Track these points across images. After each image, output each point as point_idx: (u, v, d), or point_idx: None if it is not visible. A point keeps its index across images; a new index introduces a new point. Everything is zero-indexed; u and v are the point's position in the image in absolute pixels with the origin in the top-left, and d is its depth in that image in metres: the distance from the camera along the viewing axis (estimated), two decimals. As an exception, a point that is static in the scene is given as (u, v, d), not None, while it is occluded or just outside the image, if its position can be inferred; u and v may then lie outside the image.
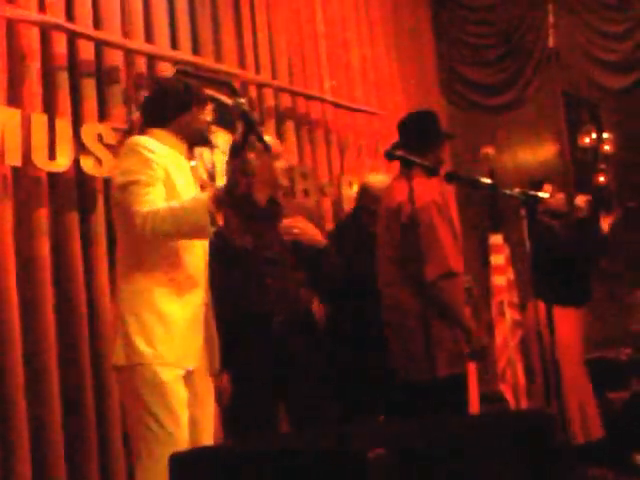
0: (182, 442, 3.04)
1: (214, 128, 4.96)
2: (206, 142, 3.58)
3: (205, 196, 3.06)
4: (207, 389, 3.29)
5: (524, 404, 5.91)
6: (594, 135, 9.00)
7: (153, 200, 3.05)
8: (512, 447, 2.65)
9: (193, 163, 4.20)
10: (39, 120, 3.98)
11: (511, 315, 6.26)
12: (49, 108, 4.11)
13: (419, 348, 3.83)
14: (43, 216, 3.98)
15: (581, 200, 5.67)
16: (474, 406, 6.60)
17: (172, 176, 3.17)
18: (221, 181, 4.89)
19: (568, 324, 5.40)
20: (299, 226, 3.89)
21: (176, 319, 3.11)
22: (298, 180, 5.57)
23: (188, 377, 3.16)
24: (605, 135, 8.97)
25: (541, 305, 5.24)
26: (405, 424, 3.00)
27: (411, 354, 3.99)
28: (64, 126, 4.09)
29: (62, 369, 3.97)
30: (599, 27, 7.31)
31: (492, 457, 2.56)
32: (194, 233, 3.10)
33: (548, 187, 5.61)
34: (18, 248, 3.88)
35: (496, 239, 6.36)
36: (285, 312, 3.84)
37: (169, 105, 3.33)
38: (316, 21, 6.16)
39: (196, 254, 3.25)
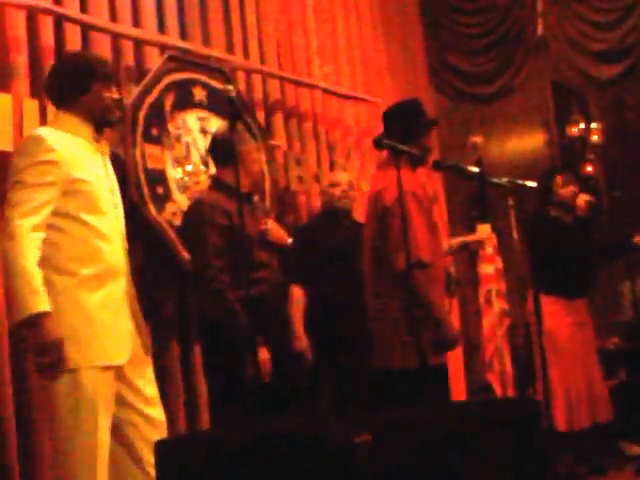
0: (103, 446, 2.98)
1: (207, 114, 4.95)
2: (111, 124, 3.40)
3: (35, 310, 2.83)
4: (147, 378, 3.19)
5: (511, 393, 5.92)
6: (582, 125, 9.00)
7: (31, 211, 2.90)
8: (497, 434, 2.66)
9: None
10: (30, 105, 3.94)
11: (499, 304, 6.27)
12: (37, 93, 4.08)
13: (398, 337, 3.85)
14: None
15: (581, 199, 5.66)
16: (461, 395, 6.62)
17: (75, 174, 3.01)
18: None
19: (562, 314, 5.41)
20: (269, 227, 4.11)
21: (100, 315, 2.99)
22: (292, 167, 5.54)
23: (120, 372, 3.06)
24: (593, 125, 8.97)
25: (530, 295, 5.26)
26: (390, 411, 2.99)
27: (390, 343, 4.00)
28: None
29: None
30: (588, 16, 7.31)
31: (476, 444, 2.56)
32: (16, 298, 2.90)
33: (560, 178, 5.59)
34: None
35: (484, 229, 6.36)
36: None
37: (69, 87, 3.14)
38: (305, 8, 6.13)
39: (115, 242, 3.12)
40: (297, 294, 4.86)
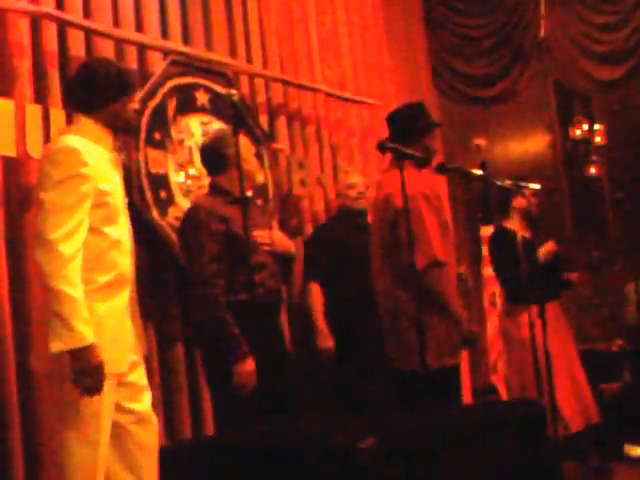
0: (103, 449, 2.99)
1: (209, 118, 4.95)
2: (134, 132, 3.46)
3: (88, 342, 2.88)
4: (143, 384, 3.21)
5: (516, 395, 5.91)
6: (585, 126, 9.00)
7: (69, 233, 2.93)
8: (501, 436, 2.66)
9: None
10: (33, 110, 3.94)
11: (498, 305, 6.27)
12: (40, 99, 4.07)
13: (411, 339, 3.85)
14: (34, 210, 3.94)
15: (546, 249, 5.58)
16: (466, 397, 6.61)
17: (102, 186, 3.06)
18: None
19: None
20: (273, 238, 4.14)
21: (109, 323, 3.03)
22: (295, 170, 5.53)
23: (122, 377, 3.09)
24: (596, 127, 8.97)
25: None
26: (396, 415, 2.99)
27: (403, 345, 4.01)
28: (58, 116, 4.04)
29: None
30: (590, 18, 7.31)
31: (480, 446, 2.56)
32: (57, 322, 2.90)
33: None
34: (9, 242, 3.85)
35: (487, 230, 6.36)
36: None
37: (98, 92, 3.15)
38: (307, 11, 6.13)
39: (125, 250, 3.16)
40: (316, 292, 4.93)
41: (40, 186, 3.03)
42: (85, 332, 2.87)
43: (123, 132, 3.32)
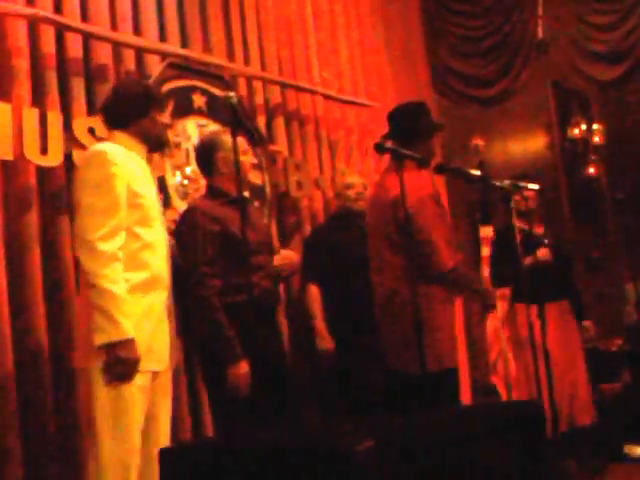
0: (136, 447, 3.14)
1: (206, 120, 4.96)
2: (164, 147, 3.66)
3: (130, 335, 3.07)
4: (168, 387, 3.38)
5: (516, 395, 5.91)
6: (584, 126, 9.00)
7: (109, 234, 3.11)
8: (500, 437, 2.66)
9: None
10: (30, 114, 3.94)
11: (502, 306, 6.26)
12: (38, 102, 4.07)
13: (410, 341, 3.84)
14: (34, 213, 3.95)
15: (542, 253, 5.60)
16: (465, 398, 6.61)
17: (135, 188, 3.23)
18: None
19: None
20: (287, 261, 4.23)
21: (144, 324, 3.16)
22: (292, 172, 5.54)
23: (153, 377, 3.24)
24: (595, 126, 8.97)
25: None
26: (393, 418, 2.99)
27: (402, 346, 4.00)
28: (55, 120, 4.05)
29: (54, 366, 3.94)
30: (588, 18, 7.32)
31: (480, 447, 2.56)
32: (101, 317, 3.07)
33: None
34: (7, 244, 3.86)
35: (486, 231, 6.35)
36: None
37: (128, 110, 3.38)
38: (305, 13, 6.13)
39: (160, 254, 3.30)
40: (315, 293, 4.96)
41: (76, 191, 3.24)
42: (127, 326, 3.06)
43: (157, 147, 3.54)
